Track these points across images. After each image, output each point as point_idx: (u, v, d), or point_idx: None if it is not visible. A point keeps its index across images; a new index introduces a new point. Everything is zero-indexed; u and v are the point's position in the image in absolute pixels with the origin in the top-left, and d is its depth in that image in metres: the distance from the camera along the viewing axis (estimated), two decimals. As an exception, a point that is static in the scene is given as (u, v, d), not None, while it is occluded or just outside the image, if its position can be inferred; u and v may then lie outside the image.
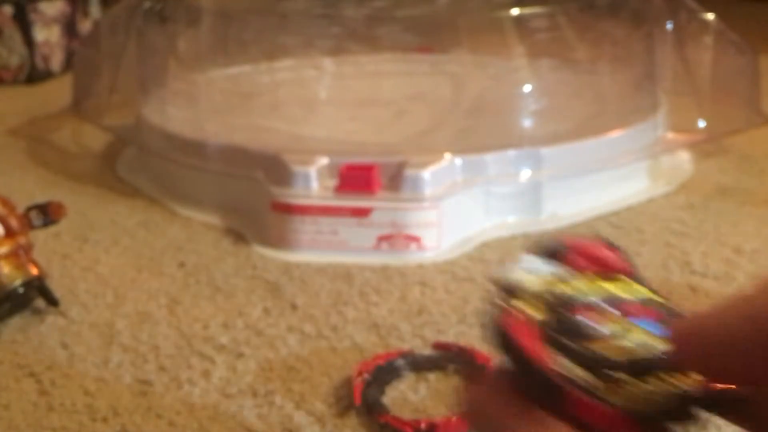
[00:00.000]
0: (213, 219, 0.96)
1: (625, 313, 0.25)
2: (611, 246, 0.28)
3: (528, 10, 1.13)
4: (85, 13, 1.83)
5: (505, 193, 0.94)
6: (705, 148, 1.14)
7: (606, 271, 0.27)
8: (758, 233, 0.90)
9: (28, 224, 0.76)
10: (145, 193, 1.06)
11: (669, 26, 1.14)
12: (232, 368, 0.66)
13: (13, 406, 0.63)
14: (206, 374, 0.66)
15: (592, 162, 1.00)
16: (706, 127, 1.12)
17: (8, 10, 1.65)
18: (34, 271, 0.75)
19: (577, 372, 0.24)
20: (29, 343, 0.71)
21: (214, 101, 1.18)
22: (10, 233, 0.74)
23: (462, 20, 1.16)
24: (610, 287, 0.26)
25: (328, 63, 1.24)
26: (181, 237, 0.93)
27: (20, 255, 0.74)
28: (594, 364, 0.24)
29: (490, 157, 0.95)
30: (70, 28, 1.77)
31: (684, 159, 1.13)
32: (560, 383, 0.24)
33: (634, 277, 0.27)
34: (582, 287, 0.26)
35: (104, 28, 1.28)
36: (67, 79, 1.43)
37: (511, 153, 0.96)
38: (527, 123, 1.09)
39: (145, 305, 0.77)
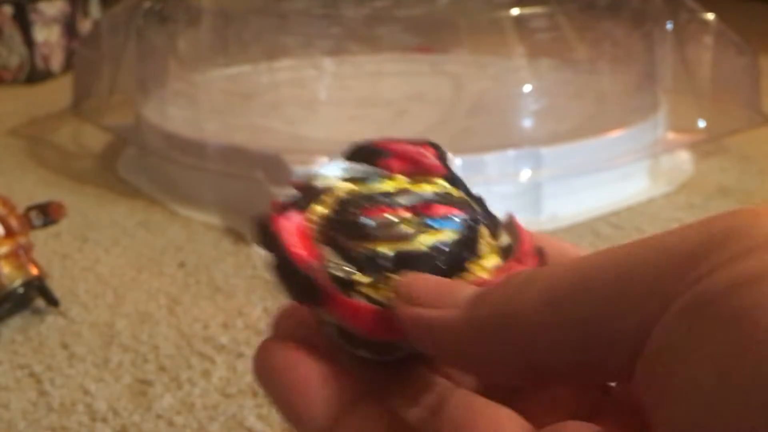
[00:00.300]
0: (213, 219, 0.96)
1: (421, 212, 0.23)
2: (433, 147, 0.26)
3: (528, 10, 1.13)
4: (85, 13, 1.83)
5: (505, 193, 0.94)
6: (705, 148, 1.14)
7: (420, 172, 0.25)
8: (758, 233, 0.90)
9: (28, 224, 0.76)
10: (145, 193, 1.06)
11: (669, 26, 1.14)
12: (232, 368, 0.66)
13: (13, 405, 0.63)
14: (206, 374, 0.66)
15: (592, 162, 1.00)
16: (706, 127, 1.12)
17: (8, 10, 1.65)
18: (34, 271, 0.75)
19: (348, 270, 0.23)
20: (29, 343, 0.72)
21: (214, 101, 1.19)
22: (10, 233, 0.74)
23: (462, 20, 1.16)
24: (414, 188, 0.24)
25: (328, 63, 1.24)
26: (181, 237, 0.93)
27: (20, 255, 0.74)
28: (366, 262, 0.23)
29: (490, 157, 0.95)
30: (70, 28, 1.77)
31: (684, 159, 1.13)
32: (318, 281, 0.22)
33: (450, 179, 0.26)
34: (383, 187, 0.24)
35: (104, 28, 1.28)
36: (67, 79, 1.44)
37: (511, 153, 0.96)
38: (527, 123, 1.09)
39: (145, 305, 0.77)
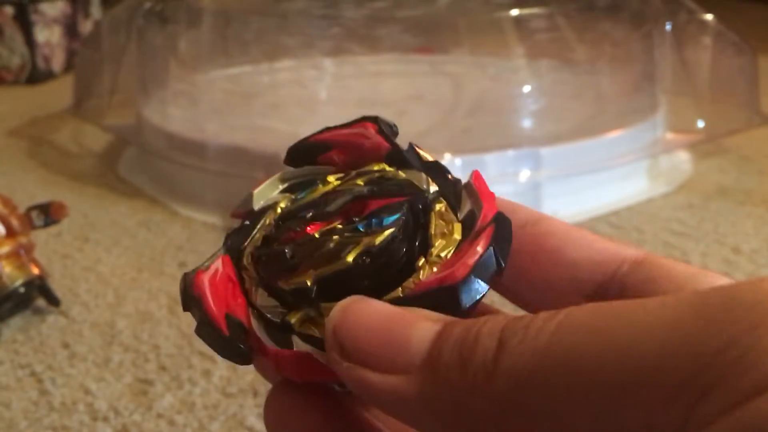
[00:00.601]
0: (213, 219, 0.97)
1: (352, 215, 0.20)
2: (373, 122, 0.23)
3: (528, 11, 1.13)
4: (86, 14, 1.83)
5: (504, 193, 0.94)
6: (704, 148, 1.15)
7: (362, 157, 0.23)
8: (757, 233, 0.91)
9: (29, 224, 0.77)
10: (145, 193, 1.06)
11: (668, 27, 1.15)
12: (232, 367, 0.67)
13: (14, 405, 0.63)
14: (207, 374, 0.66)
15: (592, 162, 1.00)
16: (705, 127, 1.12)
17: (9, 10, 1.66)
18: (36, 271, 0.75)
19: (277, 313, 0.20)
20: (30, 343, 0.72)
21: (215, 101, 1.19)
22: (11, 233, 0.75)
23: (462, 21, 1.17)
24: (346, 186, 0.21)
25: (328, 63, 1.24)
26: (181, 237, 0.93)
27: (21, 255, 0.75)
28: (293, 298, 0.20)
29: (489, 157, 0.96)
30: (71, 28, 1.77)
31: (683, 159, 1.13)
32: (240, 339, 0.20)
33: (394, 154, 0.22)
34: (311, 198, 0.22)
35: (105, 29, 1.28)
36: (68, 80, 1.44)
37: (511, 153, 0.97)
38: (527, 123, 1.09)
39: (146, 305, 0.77)
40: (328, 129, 0.23)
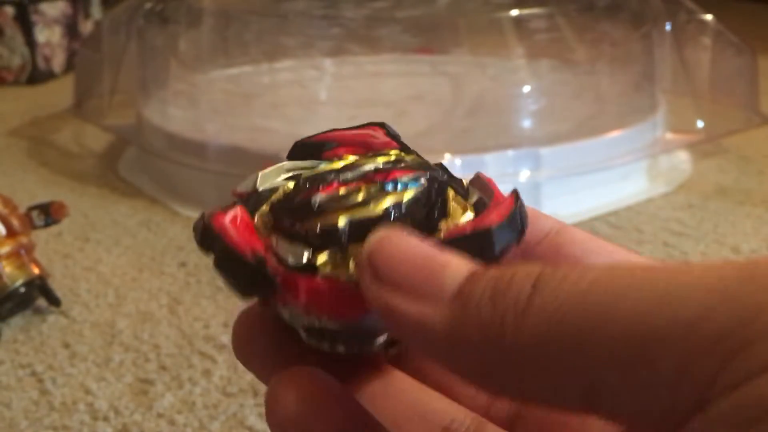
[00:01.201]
0: (214, 219, 0.97)
1: (376, 179, 0.21)
2: (381, 127, 0.24)
3: (527, 11, 1.13)
4: (87, 14, 1.83)
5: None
6: (704, 148, 1.15)
7: (370, 151, 0.23)
8: (756, 233, 0.91)
9: (29, 224, 0.77)
10: (146, 193, 1.06)
11: (668, 27, 1.15)
12: (233, 367, 0.67)
13: (15, 405, 0.63)
14: (207, 373, 0.66)
15: (591, 162, 1.00)
16: (704, 127, 1.12)
17: (10, 10, 1.66)
18: (36, 271, 0.75)
19: (300, 252, 0.20)
20: (31, 343, 0.72)
21: (215, 102, 1.19)
22: (11, 233, 0.75)
23: (462, 21, 1.17)
24: (365, 161, 0.22)
25: (328, 63, 1.25)
26: (182, 237, 0.93)
27: (22, 255, 0.75)
28: (320, 239, 0.20)
29: (489, 157, 0.96)
30: (71, 28, 1.77)
31: (683, 159, 1.13)
32: (267, 266, 0.20)
33: (404, 150, 0.23)
34: (331, 167, 0.22)
35: (105, 29, 1.28)
36: (68, 80, 1.44)
37: (511, 153, 0.97)
38: (526, 123, 1.09)
39: (147, 305, 0.78)
40: (334, 130, 0.24)
